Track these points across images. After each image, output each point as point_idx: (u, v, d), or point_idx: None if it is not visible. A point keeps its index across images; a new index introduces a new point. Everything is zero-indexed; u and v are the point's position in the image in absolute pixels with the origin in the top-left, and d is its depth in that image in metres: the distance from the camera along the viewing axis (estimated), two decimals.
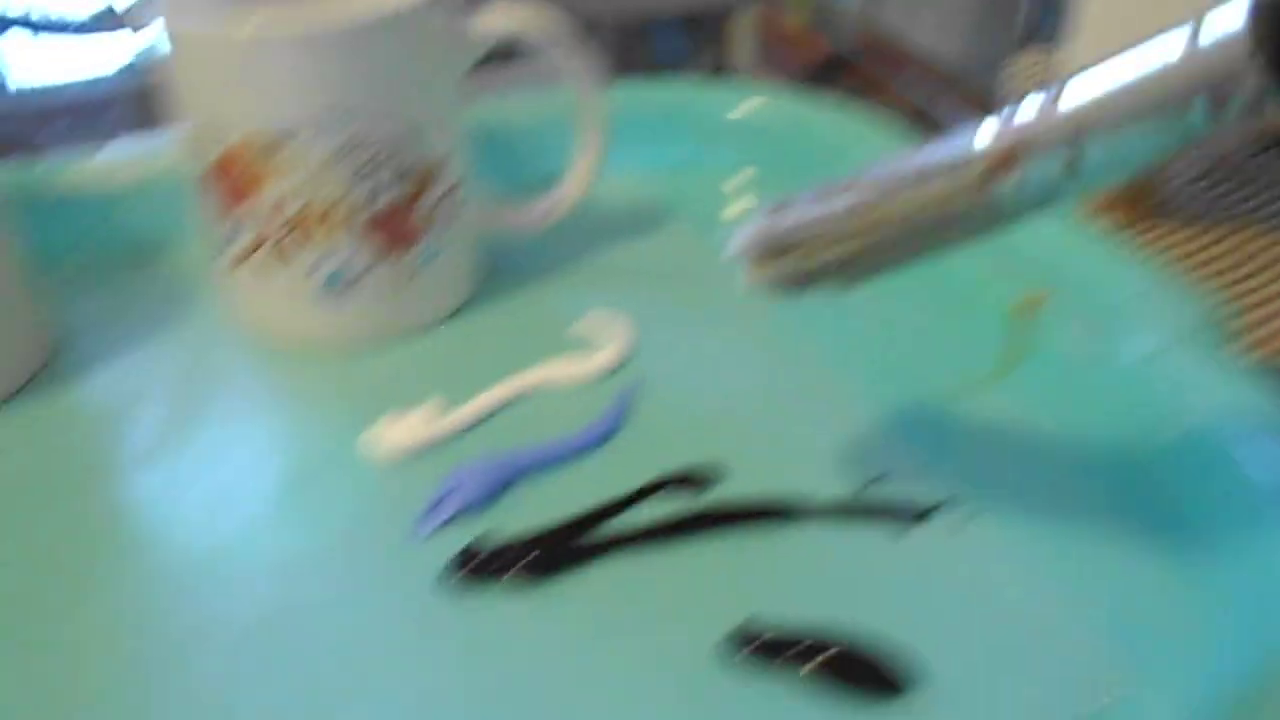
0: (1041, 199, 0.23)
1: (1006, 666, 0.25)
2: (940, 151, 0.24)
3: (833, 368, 0.34)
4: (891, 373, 0.34)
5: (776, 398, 0.33)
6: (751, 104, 0.46)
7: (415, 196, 0.34)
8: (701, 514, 0.29)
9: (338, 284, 0.34)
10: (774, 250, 0.27)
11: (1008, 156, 0.23)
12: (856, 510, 0.29)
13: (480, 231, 0.38)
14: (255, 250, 0.34)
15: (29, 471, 0.31)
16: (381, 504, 0.30)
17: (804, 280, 0.27)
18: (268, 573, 0.28)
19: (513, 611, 0.26)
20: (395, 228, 0.34)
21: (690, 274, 0.40)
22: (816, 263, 0.26)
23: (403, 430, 0.31)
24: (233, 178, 0.33)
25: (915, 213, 0.24)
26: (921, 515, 0.29)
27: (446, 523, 0.29)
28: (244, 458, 0.31)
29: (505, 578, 0.27)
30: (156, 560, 0.28)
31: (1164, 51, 0.20)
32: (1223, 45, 0.19)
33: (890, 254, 0.26)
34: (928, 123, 0.49)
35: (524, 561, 0.27)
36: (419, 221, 0.34)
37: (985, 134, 0.23)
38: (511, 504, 0.30)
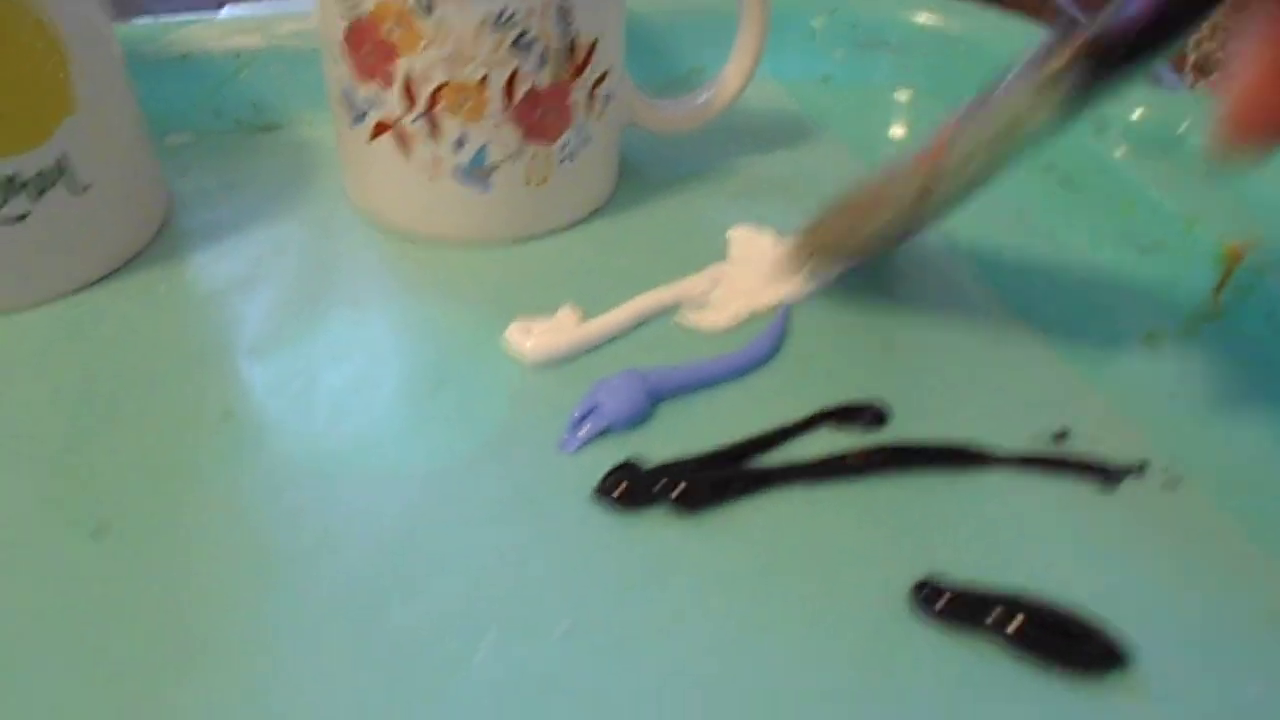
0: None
1: (1220, 653, 0.22)
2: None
3: (1015, 309, 0.31)
4: (1083, 318, 0.31)
5: (948, 337, 0.30)
6: (913, 15, 0.42)
7: (565, 81, 0.31)
8: (877, 450, 0.26)
9: (477, 170, 0.31)
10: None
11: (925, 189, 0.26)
12: (1048, 463, 0.26)
13: (626, 127, 0.35)
14: (390, 128, 0.31)
15: (142, 346, 0.29)
16: (522, 413, 0.27)
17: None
18: (401, 475, 0.25)
19: (671, 539, 0.24)
20: (543, 113, 0.31)
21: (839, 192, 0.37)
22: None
23: (539, 335, 0.29)
24: (369, 46, 0.30)
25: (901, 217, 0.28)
26: (1119, 474, 0.26)
27: (591, 440, 0.26)
28: (370, 350, 0.29)
29: (663, 502, 0.25)
30: (279, 453, 0.26)
31: None
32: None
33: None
34: None
35: (684, 486, 0.25)
36: (567, 109, 0.31)
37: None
38: (660, 425, 0.27)
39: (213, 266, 0.32)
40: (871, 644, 0.22)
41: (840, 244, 0.30)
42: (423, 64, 0.29)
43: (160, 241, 0.33)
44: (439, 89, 0.30)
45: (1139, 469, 0.26)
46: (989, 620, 0.22)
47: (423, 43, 0.29)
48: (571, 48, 0.30)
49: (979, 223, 0.35)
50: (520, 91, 0.30)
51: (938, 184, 0.26)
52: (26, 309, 0.30)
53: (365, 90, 0.31)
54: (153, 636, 0.22)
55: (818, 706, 0.21)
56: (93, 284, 0.31)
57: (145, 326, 0.30)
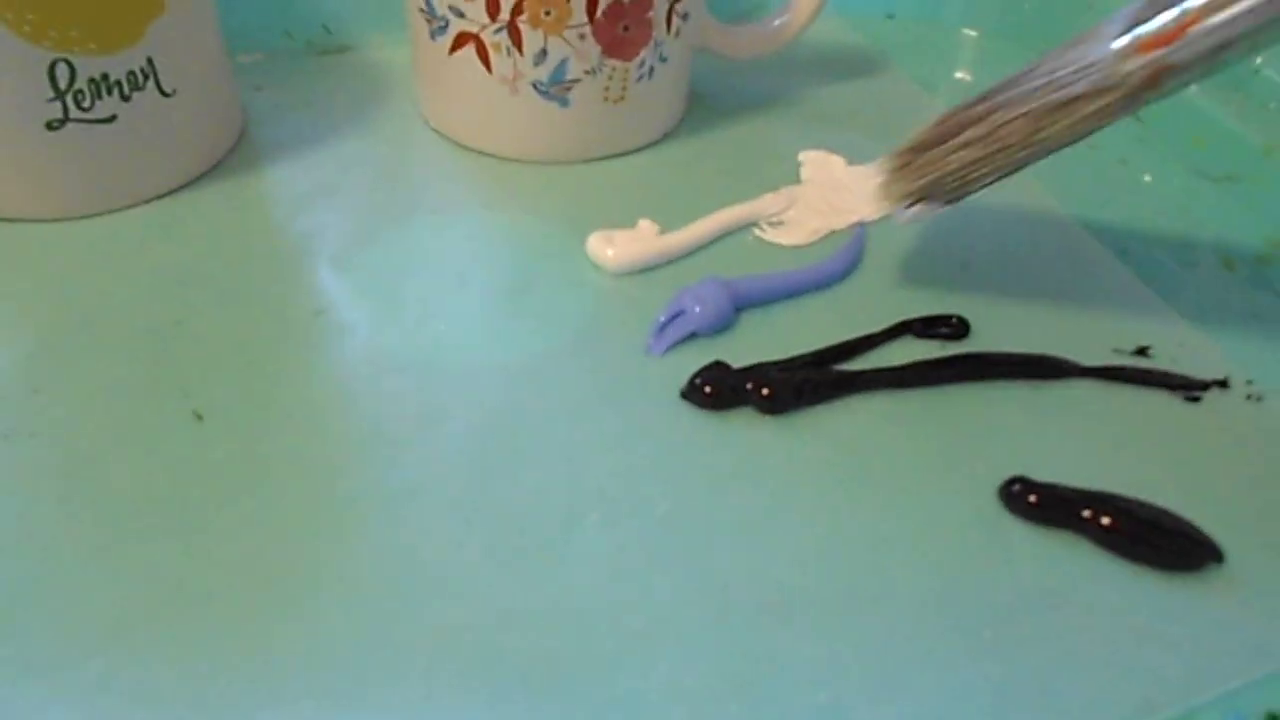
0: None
1: None
2: (1077, 66, 0.25)
3: (1091, 232, 0.31)
4: (1159, 243, 0.31)
5: (1024, 257, 0.30)
6: None
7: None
8: (961, 358, 0.26)
9: (556, 85, 0.32)
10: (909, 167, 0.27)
11: (1153, 78, 0.24)
12: (1131, 375, 0.26)
13: (697, 50, 0.35)
14: (472, 39, 0.31)
15: (230, 248, 0.29)
16: (607, 317, 0.27)
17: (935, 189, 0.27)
18: (492, 370, 0.26)
19: (760, 438, 0.24)
20: (623, 27, 0.31)
21: (909, 124, 0.36)
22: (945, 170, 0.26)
23: (621, 244, 0.29)
24: None
25: (1060, 133, 0.25)
26: (1203, 386, 0.26)
27: (678, 343, 0.27)
28: (453, 257, 0.29)
29: (750, 403, 0.25)
30: (373, 346, 0.26)
31: None
32: None
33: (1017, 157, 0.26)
34: None
35: (771, 388, 0.25)
36: (647, 25, 0.32)
37: (1123, 45, 0.24)
38: (743, 332, 0.27)
39: (293, 177, 0.32)
40: (963, 537, 0.22)
41: (948, 174, 0.27)
42: None
43: (239, 153, 0.33)
44: (519, 4, 0.30)
45: (1221, 383, 0.26)
46: (1081, 516, 0.22)
47: None
48: None
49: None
50: (603, 4, 0.30)
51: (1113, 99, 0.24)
52: (117, 210, 0.30)
53: (448, 1, 0.31)
54: (255, 515, 0.22)
55: (910, 593, 0.21)
56: (179, 189, 0.31)
57: (232, 230, 0.30)
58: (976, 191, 0.27)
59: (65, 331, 0.26)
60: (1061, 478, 0.23)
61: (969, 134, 0.26)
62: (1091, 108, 0.24)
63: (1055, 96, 0.25)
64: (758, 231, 0.30)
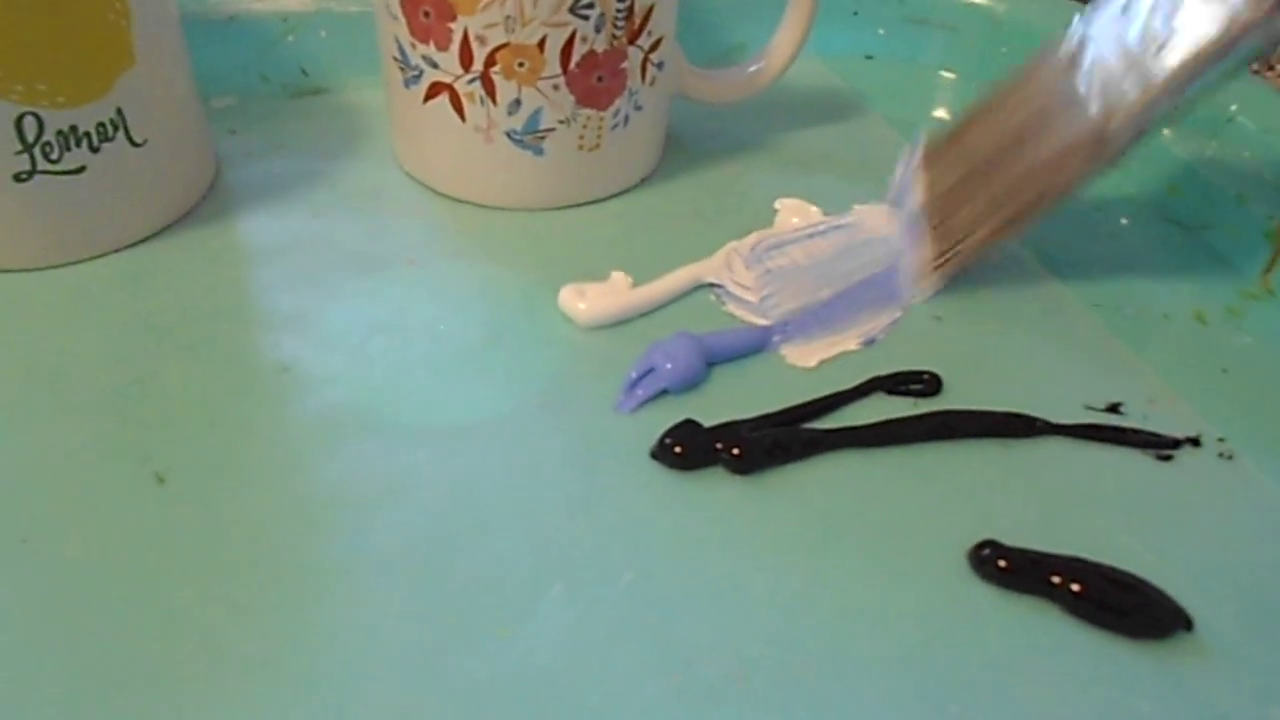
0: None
1: (1275, 621, 0.22)
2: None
3: (1062, 281, 0.31)
4: (1132, 295, 0.31)
5: (997, 311, 0.30)
6: None
7: (621, 46, 0.31)
8: (932, 416, 0.26)
9: (530, 134, 0.31)
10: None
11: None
12: (1103, 433, 0.26)
13: (674, 97, 0.35)
14: (445, 89, 0.31)
15: (198, 300, 0.29)
16: (577, 373, 0.27)
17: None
18: (455, 437, 0.25)
19: (729, 499, 0.24)
20: (598, 77, 0.31)
21: (886, 168, 0.36)
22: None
23: (593, 298, 0.29)
24: (427, 6, 0.30)
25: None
26: (1175, 445, 0.26)
27: (647, 401, 0.26)
28: (424, 309, 0.29)
29: (719, 463, 0.25)
30: (338, 405, 0.26)
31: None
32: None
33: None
34: None
35: (741, 447, 0.25)
36: (622, 74, 0.32)
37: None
38: (714, 388, 0.27)
39: (265, 224, 0.32)
40: (930, 603, 0.22)
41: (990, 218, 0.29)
42: (481, 25, 0.29)
43: (211, 200, 0.33)
44: (496, 50, 0.30)
45: (1194, 441, 0.26)
46: (1050, 581, 0.22)
47: (482, 3, 0.29)
48: (629, 13, 0.30)
49: None
50: (577, 55, 0.30)
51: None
52: (85, 260, 0.30)
53: (421, 51, 0.31)
54: (215, 580, 0.22)
55: (877, 664, 0.21)
56: (148, 238, 0.31)
57: (201, 281, 0.30)
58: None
59: (24, 387, 0.26)
60: (1032, 540, 0.23)
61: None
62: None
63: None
64: (783, 350, 0.29)
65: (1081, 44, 0.28)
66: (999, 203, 0.29)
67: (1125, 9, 0.27)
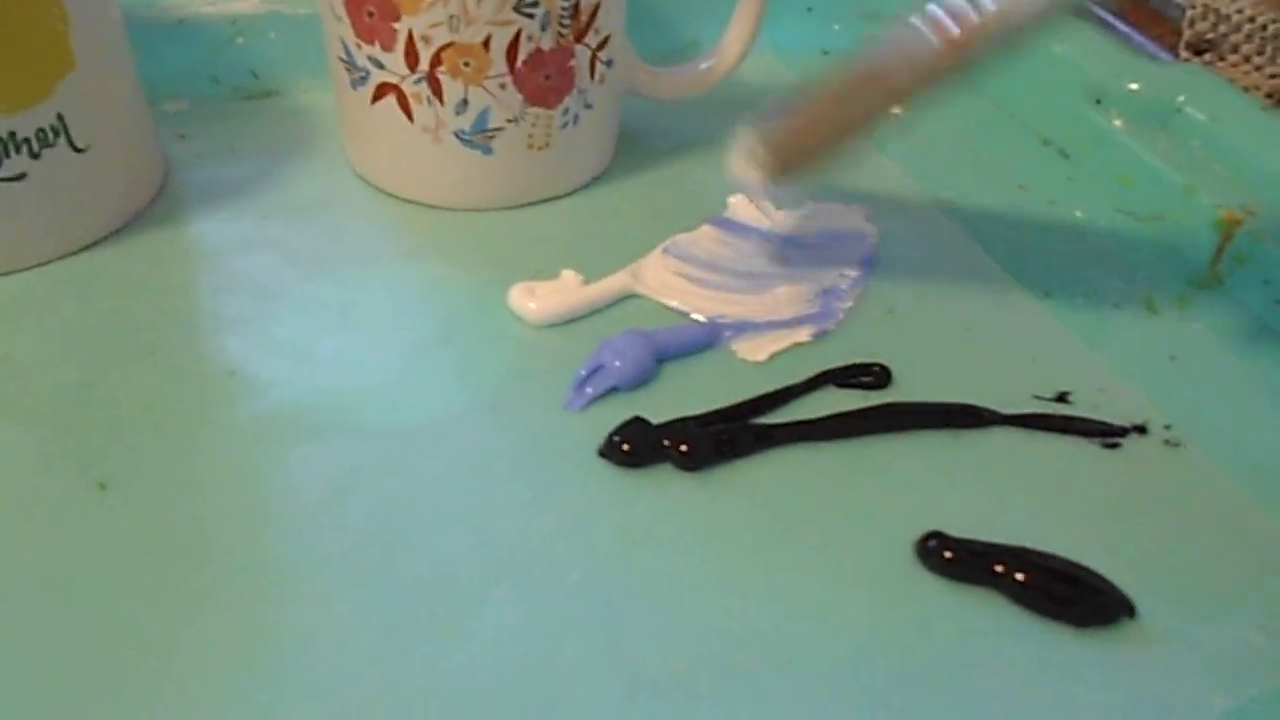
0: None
1: (1219, 603, 0.22)
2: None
3: (1015, 277, 0.31)
4: (1082, 285, 0.31)
5: (949, 303, 0.30)
6: None
7: (568, 45, 0.31)
8: (881, 409, 0.26)
9: (479, 134, 0.31)
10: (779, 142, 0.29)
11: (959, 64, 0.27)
12: (1050, 422, 0.26)
13: (626, 95, 0.35)
14: (392, 90, 0.31)
15: (144, 305, 0.29)
16: (527, 371, 0.27)
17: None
18: (406, 431, 0.25)
19: (678, 495, 0.24)
20: (545, 76, 0.31)
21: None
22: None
23: (543, 296, 0.29)
24: (371, 7, 0.30)
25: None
26: (1120, 433, 0.26)
27: (597, 399, 0.26)
28: (373, 310, 0.29)
29: (668, 459, 0.25)
30: (284, 407, 0.26)
31: None
32: None
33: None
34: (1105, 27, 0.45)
35: (690, 444, 0.25)
36: (570, 73, 0.31)
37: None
38: (664, 385, 0.27)
39: (213, 228, 0.32)
40: (877, 595, 0.22)
41: (813, 141, 0.29)
42: (425, 24, 0.29)
43: (160, 204, 0.33)
44: (441, 50, 0.30)
45: (1140, 428, 0.26)
46: (996, 572, 0.22)
47: (426, 3, 0.29)
48: (575, 11, 0.30)
49: (979, 193, 0.35)
50: (523, 54, 0.30)
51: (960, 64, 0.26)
52: (28, 268, 0.30)
53: (367, 52, 0.30)
54: (159, 587, 0.22)
55: (823, 657, 0.21)
56: (94, 244, 0.31)
57: (147, 286, 0.29)
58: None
59: None
60: (979, 530, 0.23)
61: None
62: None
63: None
64: (734, 346, 0.29)
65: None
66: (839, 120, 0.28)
67: None
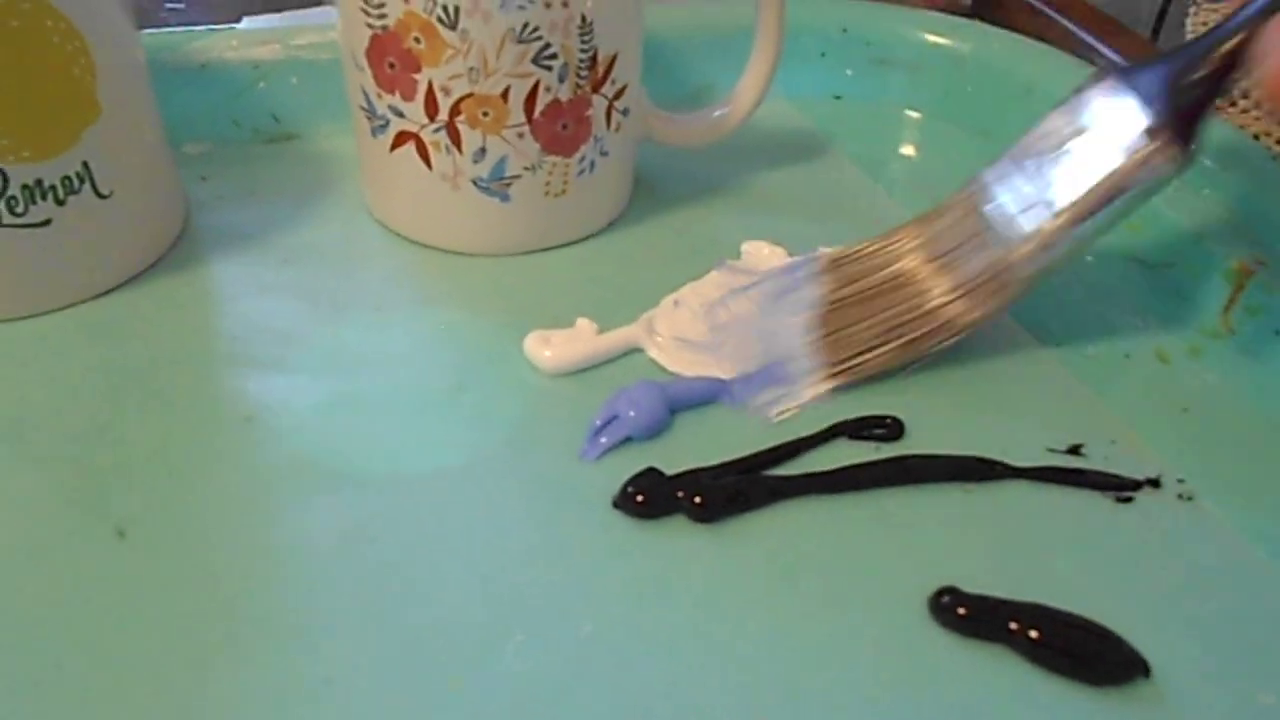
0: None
1: (1235, 662, 0.22)
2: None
3: (1026, 326, 0.31)
4: (1094, 335, 0.31)
5: (960, 353, 0.30)
6: (924, 34, 0.43)
7: (585, 95, 0.31)
8: (894, 461, 0.26)
9: (497, 182, 0.32)
10: None
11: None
12: (1063, 476, 0.26)
13: (641, 142, 0.36)
14: (411, 138, 0.31)
15: (164, 350, 0.29)
16: (541, 420, 0.27)
17: None
18: (421, 479, 0.26)
19: (691, 546, 0.24)
20: (562, 125, 0.31)
21: (851, 210, 0.37)
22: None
23: (558, 345, 0.29)
24: (392, 58, 0.30)
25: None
26: (1134, 487, 0.26)
27: (611, 448, 0.27)
28: (390, 356, 0.29)
29: (682, 511, 0.25)
30: (301, 455, 0.26)
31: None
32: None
33: None
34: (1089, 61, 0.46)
35: (704, 495, 0.25)
36: (587, 122, 0.32)
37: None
38: (678, 435, 0.27)
39: (233, 272, 0.32)
40: (890, 651, 0.22)
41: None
42: (445, 76, 0.30)
43: (180, 247, 0.33)
44: (461, 100, 0.30)
45: (1153, 482, 0.26)
46: (1009, 629, 0.22)
47: (446, 55, 0.29)
48: (592, 62, 0.31)
49: None
50: (541, 104, 0.31)
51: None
52: (50, 313, 0.30)
53: (387, 101, 0.31)
54: (174, 635, 0.22)
55: (837, 711, 0.21)
56: (115, 289, 0.31)
57: (167, 330, 0.30)
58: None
59: None
60: (992, 585, 0.23)
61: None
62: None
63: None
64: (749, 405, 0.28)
65: (984, 189, 0.29)
66: (898, 330, 0.29)
67: (1023, 156, 0.29)
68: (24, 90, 0.27)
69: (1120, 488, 0.26)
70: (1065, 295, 0.33)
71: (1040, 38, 0.43)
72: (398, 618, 0.22)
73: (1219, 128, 0.35)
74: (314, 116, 0.39)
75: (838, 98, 0.44)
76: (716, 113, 0.36)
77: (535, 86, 0.30)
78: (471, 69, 0.29)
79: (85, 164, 0.29)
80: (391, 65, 0.30)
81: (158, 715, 0.20)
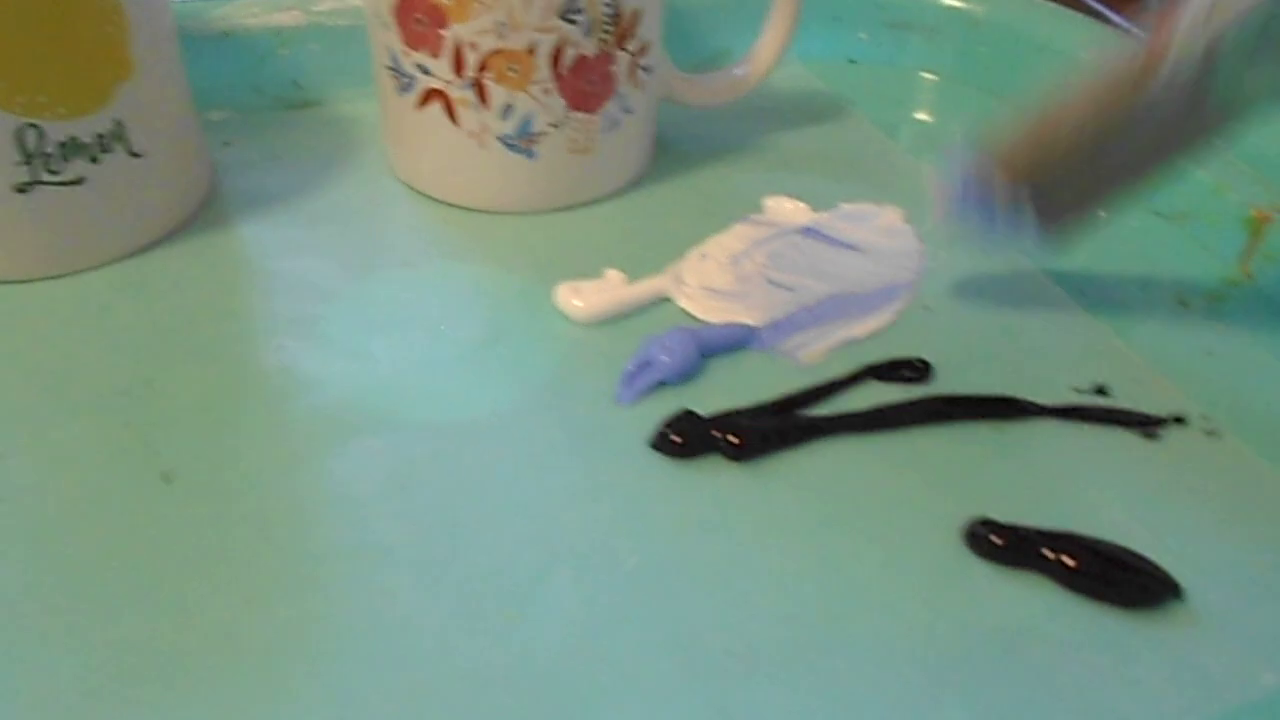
0: (1198, 96, 0.25)
1: (1263, 585, 0.23)
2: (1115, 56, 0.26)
3: (1047, 272, 0.32)
4: (1114, 283, 0.32)
5: (983, 299, 0.31)
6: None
7: (610, 51, 0.32)
8: (925, 401, 0.27)
9: (523, 138, 0.32)
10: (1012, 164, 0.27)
11: (1156, 48, 0.25)
12: (1091, 413, 0.27)
13: (663, 101, 0.36)
14: (438, 95, 0.32)
15: (200, 305, 0.30)
16: (575, 367, 0.28)
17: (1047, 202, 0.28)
18: (460, 425, 0.26)
19: (728, 485, 0.25)
20: (587, 81, 0.32)
21: (871, 167, 0.37)
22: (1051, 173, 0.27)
23: (589, 294, 0.29)
24: (419, 14, 0.30)
25: (1095, 116, 0.26)
26: (1161, 423, 0.27)
27: (646, 392, 0.27)
28: (422, 310, 0.30)
29: (718, 451, 0.25)
30: (340, 403, 0.26)
31: None
32: None
33: (1108, 170, 0.27)
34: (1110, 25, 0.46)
35: (739, 435, 0.25)
36: (611, 78, 0.32)
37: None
38: (711, 380, 0.28)
39: (261, 233, 0.33)
40: (928, 581, 0.23)
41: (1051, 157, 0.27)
42: (472, 31, 0.30)
43: (209, 209, 0.34)
44: (488, 57, 0.30)
45: (1179, 419, 0.27)
46: (1043, 556, 0.23)
47: (474, 10, 0.30)
48: (616, 18, 0.31)
49: None
50: (567, 60, 0.31)
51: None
52: (86, 270, 0.30)
53: (414, 58, 0.31)
54: (224, 574, 0.22)
55: (878, 638, 0.21)
56: (148, 248, 0.31)
57: (201, 288, 0.30)
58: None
59: (33, 394, 0.26)
60: (1025, 517, 0.24)
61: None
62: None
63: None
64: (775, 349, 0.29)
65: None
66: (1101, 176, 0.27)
67: None
68: (59, 46, 0.27)
69: (1146, 424, 0.27)
70: (1087, 247, 0.33)
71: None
72: (445, 556, 0.23)
73: None
74: (335, 82, 0.39)
75: (852, 61, 0.44)
76: (736, 72, 0.37)
77: (561, 42, 0.30)
78: (499, 24, 0.30)
79: (118, 122, 0.29)
80: (419, 21, 0.30)
81: (208, 654, 0.21)
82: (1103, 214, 0.28)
